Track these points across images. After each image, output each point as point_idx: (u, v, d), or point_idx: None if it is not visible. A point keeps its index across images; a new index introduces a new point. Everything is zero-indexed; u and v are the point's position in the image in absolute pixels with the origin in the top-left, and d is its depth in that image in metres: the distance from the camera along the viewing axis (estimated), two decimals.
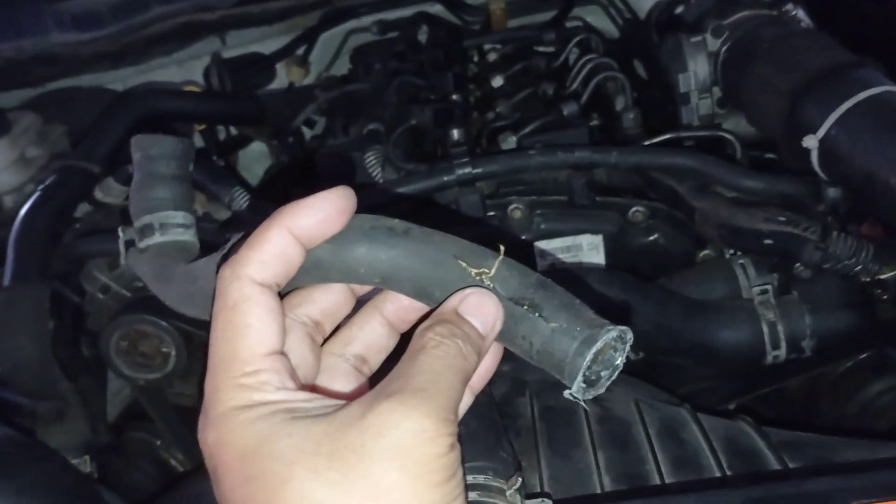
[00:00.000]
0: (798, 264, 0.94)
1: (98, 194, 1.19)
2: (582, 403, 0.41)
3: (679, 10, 1.33)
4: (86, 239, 1.09)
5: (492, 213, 1.07)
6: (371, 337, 0.47)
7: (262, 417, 0.38)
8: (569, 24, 1.68)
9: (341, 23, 1.70)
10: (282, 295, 0.43)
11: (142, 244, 0.48)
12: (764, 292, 0.97)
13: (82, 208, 1.19)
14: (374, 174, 1.10)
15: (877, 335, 1.01)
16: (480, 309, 0.41)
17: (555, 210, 1.07)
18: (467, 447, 0.46)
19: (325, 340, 0.47)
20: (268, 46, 1.69)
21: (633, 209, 1.06)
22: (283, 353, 0.41)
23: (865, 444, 0.75)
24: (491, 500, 0.59)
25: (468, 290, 0.42)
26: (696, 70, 1.16)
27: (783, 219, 0.94)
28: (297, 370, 0.43)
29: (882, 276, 0.92)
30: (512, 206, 1.06)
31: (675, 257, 1.08)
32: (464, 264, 0.42)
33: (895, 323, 1.00)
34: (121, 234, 0.53)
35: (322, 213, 0.41)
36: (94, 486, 0.95)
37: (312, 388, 0.43)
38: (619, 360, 0.42)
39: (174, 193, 0.48)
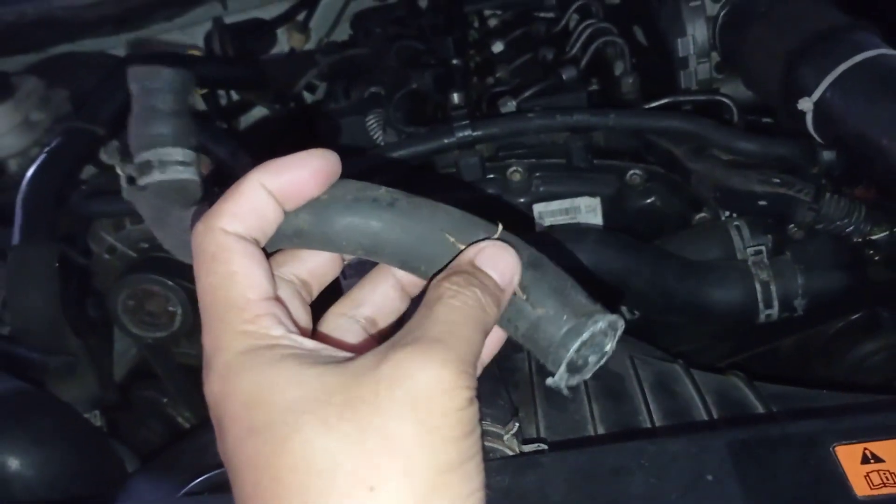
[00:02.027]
0: (791, 225, 0.96)
1: (103, 156, 1.19)
2: (564, 391, 0.41)
3: None
4: (92, 200, 1.11)
5: (491, 176, 1.09)
6: (382, 299, 0.46)
7: (270, 363, 0.36)
8: None
9: None
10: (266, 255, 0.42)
11: (141, 181, 0.48)
12: (758, 253, 0.99)
13: (88, 170, 1.21)
14: (375, 137, 1.12)
15: (869, 296, 1.03)
16: (497, 260, 0.40)
17: (553, 173, 1.09)
18: None
19: (332, 304, 0.46)
20: (269, 12, 1.69)
21: (631, 172, 1.07)
22: (278, 299, 0.40)
23: (851, 396, 0.78)
24: (489, 444, 0.61)
25: (484, 242, 0.41)
26: (695, 34, 1.17)
27: (777, 180, 0.96)
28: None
29: (873, 237, 0.94)
30: (511, 169, 1.07)
31: (672, 219, 1.09)
32: (452, 239, 0.41)
33: (887, 283, 1.02)
34: (119, 170, 0.54)
35: (299, 173, 0.40)
36: (104, 437, 0.98)
37: (315, 337, 0.41)
38: (609, 347, 0.41)
39: (173, 129, 0.48)
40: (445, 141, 1.05)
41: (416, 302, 0.44)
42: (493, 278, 0.40)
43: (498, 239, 0.41)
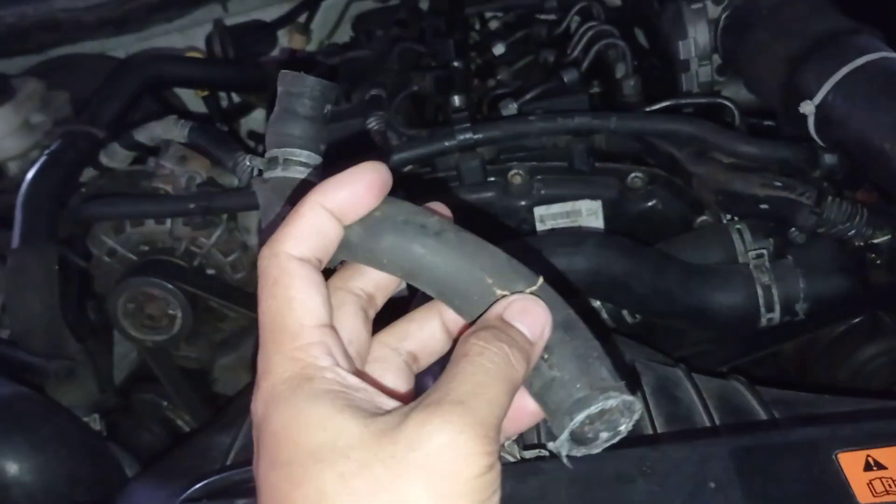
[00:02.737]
0: (793, 229, 0.96)
1: (103, 159, 1.20)
2: (563, 459, 0.40)
3: None
4: (92, 202, 1.11)
5: (492, 179, 1.09)
6: (427, 338, 0.46)
7: (306, 398, 0.37)
8: None
9: None
10: (329, 271, 0.43)
11: (266, 175, 0.51)
12: (759, 256, 0.99)
13: (87, 173, 1.21)
14: (375, 140, 1.11)
15: (870, 299, 1.03)
16: (528, 313, 0.40)
17: (555, 176, 1.09)
18: None
19: (380, 329, 0.47)
20: (269, 14, 1.69)
21: (632, 175, 1.07)
22: (331, 328, 0.40)
23: (853, 401, 0.77)
24: None
25: (513, 297, 0.40)
26: (696, 37, 1.17)
27: (779, 184, 0.95)
28: (350, 345, 0.42)
29: (875, 241, 0.94)
30: (512, 172, 1.07)
31: (673, 223, 1.09)
32: (489, 280, 0.41)
33: (888, 287, 1.02)
34: (248, 161, 0.55)
35: (354, 188, 0.41)
36: (104, 442, 0.98)
37: (361, 375, 0.41)
38: (624, 428, 0.40)
39: (304, 132, 0.50)
40: (446, 144, 1.05)
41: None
42: (522, 333, 0.39)
43: (535, 293, 0.41)
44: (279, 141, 0.55)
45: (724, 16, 1.15)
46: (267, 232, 0.49)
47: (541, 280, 0.42)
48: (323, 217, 0.41)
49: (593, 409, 0.38)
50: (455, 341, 0.45)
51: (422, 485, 0.34)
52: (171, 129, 1.16)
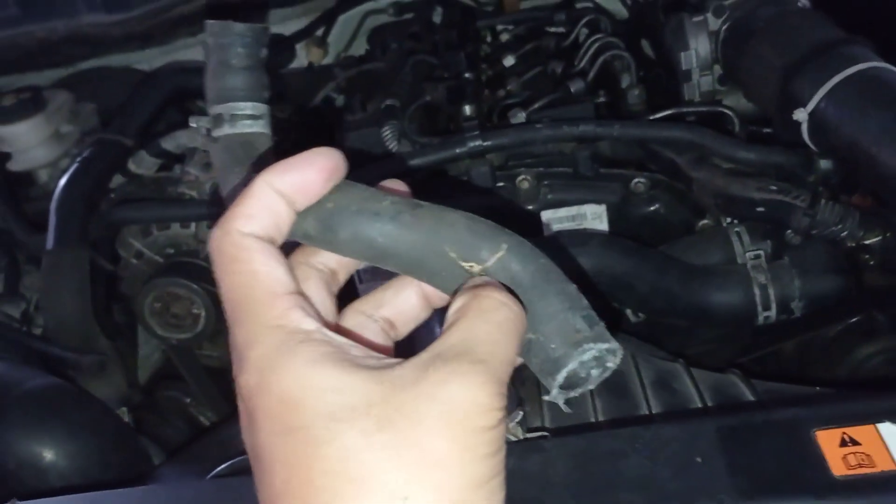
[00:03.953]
0: (789, 231, 1.00)
1: (131, 166, 1.26)
2: (562, 406, 0.41)
3: None
4: (121, 207, 1.17)
5: (501, 184, 1.13)
6: (404, 305, 0.47)
7: (307, 363, 0.36)
8: (579, 6, 1.73)
9: (359, 4, 1.76)
10: (290, 247, 0.43)
11: (214, 133, 0.52)
12: (757, 257, 1.03)
13: (117, 179, 1.27)
14: (390, 147, 1.17)
15: (866, 300, 1.07)
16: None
17: (561, 181, 1.13)
18: None
19: (353, 300, 0.47)
20: (288, 28, 1.74)
21: (636, 180, 1.12)
22: (303, 294, 0.40)
23: (846, 395, 0.81)
24: None
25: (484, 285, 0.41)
26: (698, 48, 1.21)
27: (774, 188, 1.00)
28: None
29: (867, 242, 0.98)
30: (520, 178, 1.12)
31: (675, 226, 1.14)
32: (453, 255, 0.41)
33: (882, 288, 1.06)
34: (194, 122, 0.56)
35: (305, 172, 0.41)
36: (133, 432, 1.03)
37: (339, 332, 0.41)
38: (612, 363, 0.41)
39: (244, 83, 0.51)
40: (457, 150, 1.10)
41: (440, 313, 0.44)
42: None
43: (504, 256, 0.41)
44: (221, 96, 0.55)
45: (724, 28, 1.19)
46: (228, 198, 0.49)
47: (505, 245, 0.41)
48: (273, 198, 0.40)
49: (572, 365, 0.39)
50: (441, 310, 0.45)
51: (446, 436, 0.35)
52: (196, 138, 1.22)
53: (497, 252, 0.41)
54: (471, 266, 0.41)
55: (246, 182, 0.41)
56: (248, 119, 0.52)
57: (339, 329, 0.44)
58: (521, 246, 0.42)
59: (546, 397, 0.41)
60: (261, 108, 0.53)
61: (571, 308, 0.40)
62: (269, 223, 0.40)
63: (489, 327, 0.38)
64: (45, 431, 0.87)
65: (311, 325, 0.38)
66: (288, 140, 1.55)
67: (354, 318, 0.46)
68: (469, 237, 0.41)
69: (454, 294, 0.42)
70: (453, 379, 0.35)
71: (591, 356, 0.39)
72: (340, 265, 0.46)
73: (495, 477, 0.36)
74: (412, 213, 0.42)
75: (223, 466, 0.69)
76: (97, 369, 1.05)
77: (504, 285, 0.41)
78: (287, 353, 0.37)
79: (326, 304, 0.44)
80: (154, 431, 1.23)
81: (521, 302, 0.41)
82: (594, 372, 0.41)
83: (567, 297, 0.41)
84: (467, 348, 0.37)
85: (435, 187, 1.14)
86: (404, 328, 0.47)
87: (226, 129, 0.52)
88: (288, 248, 0.43)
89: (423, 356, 0.37)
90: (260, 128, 0.54)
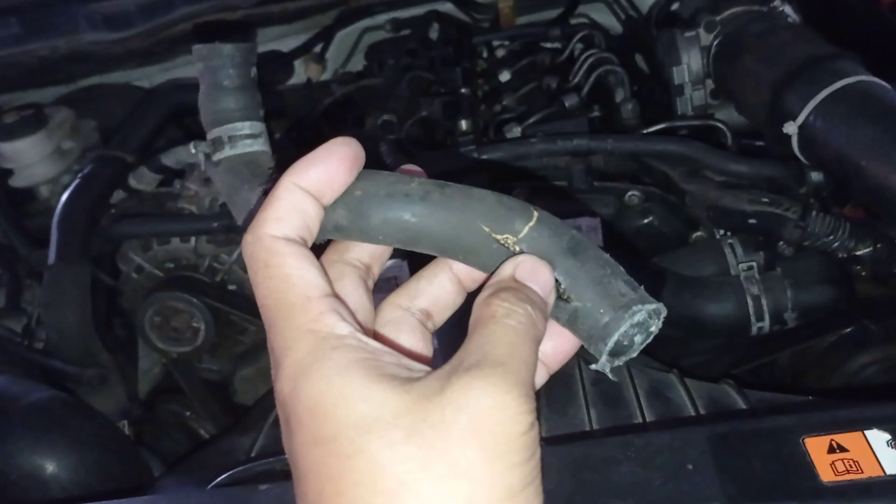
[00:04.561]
0: (781, 242, 1.02)
1: (132, 182, 1.28)
2: (609, 375, 0.41)
3: (675, 6, 1.40)
4: (121, 222, 1.18)
5: None
6: (439, 292, 0.46)
7: (337, 370, 0.36)
8: (574, 21, 1.75)
9: (356, 21, 1.78)
10: (322, 246, 0.43)
11: (215, 157, 0.52)
12: (750, 269, 1.04)
13: (117, 195, 1.28)
14: (387, 161, 1.18)
15: (858, 310, 1.08)
16: (537, 274, 0.40)
17: (555, 194, 1.15)
18: None
19: (391, 293, 0.47)
20: (286, 44, 1.76)
21: (629, 193, 1.13)
22: (337, 296, 0.40)
23: (835, 403, 0.82)
24: None
25: (520, 258, 0.41)
26: (690, 63, 1.23)
27: (766, 200, 1.01)
28: (355, 315, 0.41)
29: (858, 253, 0.99)
30: (515, 191, 1.13)
31: (669, 238, 1.15)
32: (487, 229, 0.41)
33: (874, 298, 1.07)
34: (193, 148, 0.57)
35: (327, 165, 0.40)
36: (134, 444, 1.04)
37: (375, 337, 0.42)
38: (655, 328, 0.40)
39: (238, 104, 0.52)
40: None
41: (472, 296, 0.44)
42: (536, 292, 0.40)
43: (535, 226, 0.41)
44: (217, 119, 0.56)
45: (715, 43, 1.21)
46: (252, 213, 0.49)
47: (535, 214, 0.41)
48: (300, 196, 0.40)
49: (623, 328, 0.38)
50: (471, 295, 0.44)
51: (476, 445, 0.34)
52: (195, 154, 1.24)
53: (529, 221, 0.41)
54: (505, 238, 0.41)
55: (249, 206, 0.41)
56: (247, 139, 0.53)
57: (375, 335, 0.44)
58: (551, 217, 0.42)
59: (594, 366, 0.40)
60: (258, 126, 0.54)
61: (613, 273, 0.40)
62: (299, 223, 0.40)
63: (504, 330, 0.38)
64: (48, 444, 0.88)
65: (344, 329, 0.38)
66: (286, 158, 1.57)
67: (392, 312, 0.46)
68: (501, 210, 0.41)
69: (491, 273, 0.42)
70: (476, 384, 0.35)
71: (640, 318, 0.39)
72: (373, 258, 0.46)
73: (529, 485, 0.35)
74: (441, 192, 0.41)
75: (224, 476, 0.70)
76: (98, 382, 1.06)
77: (525, 285, 0.40)
78: (319, 359, 0.37)
79: (363, 301, 0.44)
80: (154, 444, 1.24)
81: (555, 274, 0.40)
82: (637, 338, 0.40)
83: (606, 263, 0.41)
84: (485, 354, 0.36)
85: None
86: (440, 316, 0.47)
87: (226, 151, 0.53)
88: (318, 249, 0.43)
89: (446, 367, 0.37)
90: (260, 146, 0.55)
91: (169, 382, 1.33)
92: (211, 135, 0.53)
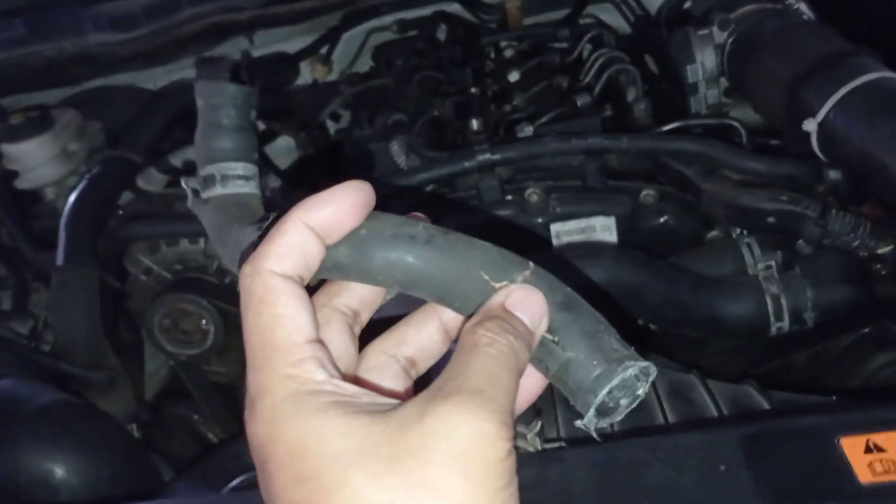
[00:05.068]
0: (800, 241, 1.00)
1: (140, 183, 1.26)
2: (593, 434, 0.41)
3: (687, 5, 1.38)
4: (130, 224, 1.17)
5: (510, 198, 1.13)
6: (426, 341, 0.47)
7: (315, 411, 0.37)
8: (582, 22, 1.74)
9: (363, 22, 1.76)
10: (314, 287, 0.43)
11: (204, 195, 0.52)
12: (768, 268, 1.03)
13: (125, 196, 1.27)
14: (398, 161, 1.17)
15: (878, 310, 1.06)
16: (527, 304, 0.41)
17: (569, 194, 1.13)
18: None
19: (375, 337, 0.47)
20: (293, 46, 1.75)
21: (644, 192, 1.12)
22: (321, 342, 0.40)
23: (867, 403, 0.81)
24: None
25: (514, 286, 0.41)
26: (704, 61, 1.22)
27: (785, 198, 1.00)
28: (338, 362, 0.42)
29: (879, 251, 0.98)
30: (529, 191, 1.12)
31: (685, 238, 1.13)
32: (486, 277, 0.42)
33: (894, 297, 1.05)
34: (184, 183, 0.57)
35: (337, 206, 0.41)
36: (143, 448, 1.02)
37: (355, 381, 0.42)
38: (641, 391, 0.41)
39: (235, 144, 0.51)
40: (466, 164, 1.10)
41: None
42: (523, 322, 0.41)
43: (531, 277, 0.42)
44: (211, 157, 0.55)
45: (729, 41, 1.20)
46: (245, 253, 0.50)
47: (532, 266, 0.42)
48: (305, 234, 0.40)
49: (615, 382, 0.39)
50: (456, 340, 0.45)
51: (456, 472, 0.34)
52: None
53: (527, 272, 0.42)
54: (503, 286, 0.41)
55: (239, 246, 0.41)
56: (239, 179, 0.52)
57: (356, 379, 0.44)
58: (547, 272, 0.43)
59: (578, 423, 0.40)
60: (251, 168, 0.54)
61: (606, 330, 0.41)
62: (300, 262, 0.40)
63: (484, 359, 0.38)
64: (57, 448, 0.86)
65: (321, 375, 0.38)
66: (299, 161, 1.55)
67: (376, 357, 0.46)
68: (500, 260, 0.42)
69: None
70: (456, 411, 0.35)
71: (632, 373, 0.39)
72: (363, 304, 0.46)
73: None
74: (445, 238, 0.42)
75: (239, 480, 0.69)
76: (106, 386, 1.05)
77: (512, 315, 0.41)
78: (297, 403, 0.37)
79: (347, 348, 0.45)
80: (161, 448, 1.22)
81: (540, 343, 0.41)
82: (623, 401, 0.41)
83: (599, 320, 0.41)
84: (464, 381, 0.37)
85: (444, 202, 1.14)
86: (425, 364, 0.47)
87: (217, 190, 0.52)
88: (310, 290, 0.42)
89: (425, 393, 0.37)
90: (251, 188, 0.54)
91: (175, 386, 1.31)
92: (203, 171, 0.53)
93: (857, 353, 1.10)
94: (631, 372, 0.39)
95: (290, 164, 1.63)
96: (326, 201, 0.41)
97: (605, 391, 0.39)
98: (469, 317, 0.42)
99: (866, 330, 1.09)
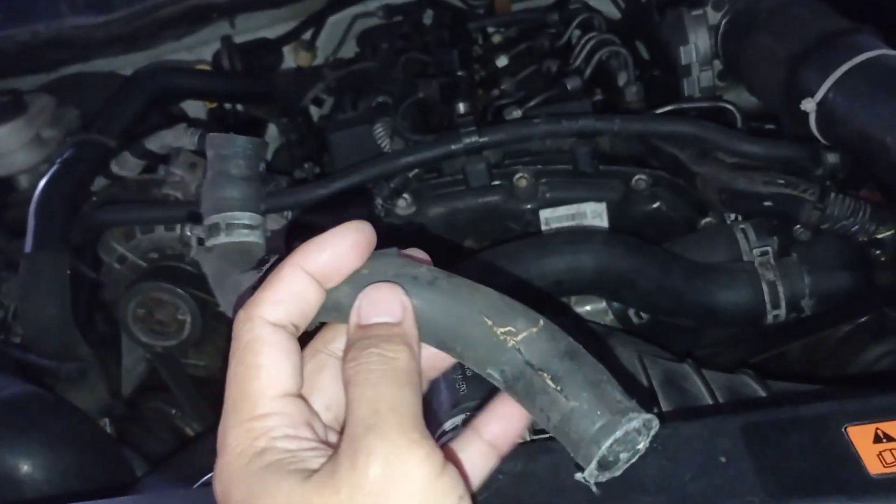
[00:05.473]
0: (797, 226, 0.97)
1: (114, 168, 1.22)
2: (593, 488, 0.40)
3: None
4: (103, 209, 1.13)
5: (497, 182, 1.10)
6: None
7: (262, 470, 0.37)
8: (571, 7, 1.71)
9: (347, 7, 1.73)
10: (310, 333, 0.43)
11: (209, 242, 0.50)
12: (764, 254, 0.99)
13: (99, 182, 1.22)
14: (382, 145, 1.13)
15: (876, 298, 1.03)
16: (379, 303, 0.40)
17: (559, 178, 1.10)
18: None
19: None
20: (276, 31, 1.71)
21: (637, 177, 1.08)
22: (299, 397, 0.40)
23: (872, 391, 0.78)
24: None
25: (361, 293, 0.41)
26: (697, 43, 1.19)
27: (782, 181, 0.97)
28: (328, 410, 0.43)
29: (879, 236, 0.95)
30: (518, 175, 1.08)
31: (678, 224, 1.10)
32: (489, 322, 0.41)
33: (894, 284, 1.02)
34: (188, 231, 0.56)
35: (337, 249, 0.40)
36: (115, 443, 0.98)
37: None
38: (642, 445, 0.41)
39: (242, 194, 0.50)
40: (452, 147, 1.06)
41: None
42: (384, 322, 0.40)
43: (537, 331, 0.41)
44: (217, 206, 0.55)
45: (724, 21, 1.17)
46: (242, 296, 0.49)
47: (542, 320, 0.41)
48: (303, 281, 0.40)
49: (619, 434, 0.38)
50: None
51: None
52: (181, 137, 1.18)
53: (532, 326, 0.41)
54: (507, 331, 0.41)
55: (237, 290, 0.40)
56: (244, 228, 0.52)
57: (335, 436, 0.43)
58: (551, 324, 0.42)
59: (578, 476, 0.40)
60: (257, 218, 0.53)
61: (609, 381, 0.40)
62: (295, 310, 0.40)
63: (361, 390, 0.37)
64: (21, 442, 0.83)
65: (280, 432, 0.38)
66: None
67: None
68: (504, 306, 0.42)
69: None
70: (360, 458, 0.35)
71: (636, 425, 0.39)
72: None
73: None
74: (449, 281, 0.42)
75: (211, 475, 0.65)
76: (77, 377, 1.00)
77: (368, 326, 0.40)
78: (244, 464, 0.37)
79: (340, 395, 0.42)
80: (139, 444, 1.19)
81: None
82: (623, 455, 0.40)
83: (602, 371, 0.41)
84: (354, 424, 0.36)
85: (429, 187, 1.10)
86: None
87: (221, 238, 0.51)
88: (307, 336, 0.43)
89: (344, 446, 0.36)
90: (256, 238, 0.54)
91: (154, 380, 1.27)
92: (209, 220, 0.52)
93: (855, 342, 1.07)
94: (634, 424, 0.39)
95: (273, 150, 1.59)
96: (326, 245, 0.40)
97: (608, 443, 0.38)
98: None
99: (864, 318, 1.06)
